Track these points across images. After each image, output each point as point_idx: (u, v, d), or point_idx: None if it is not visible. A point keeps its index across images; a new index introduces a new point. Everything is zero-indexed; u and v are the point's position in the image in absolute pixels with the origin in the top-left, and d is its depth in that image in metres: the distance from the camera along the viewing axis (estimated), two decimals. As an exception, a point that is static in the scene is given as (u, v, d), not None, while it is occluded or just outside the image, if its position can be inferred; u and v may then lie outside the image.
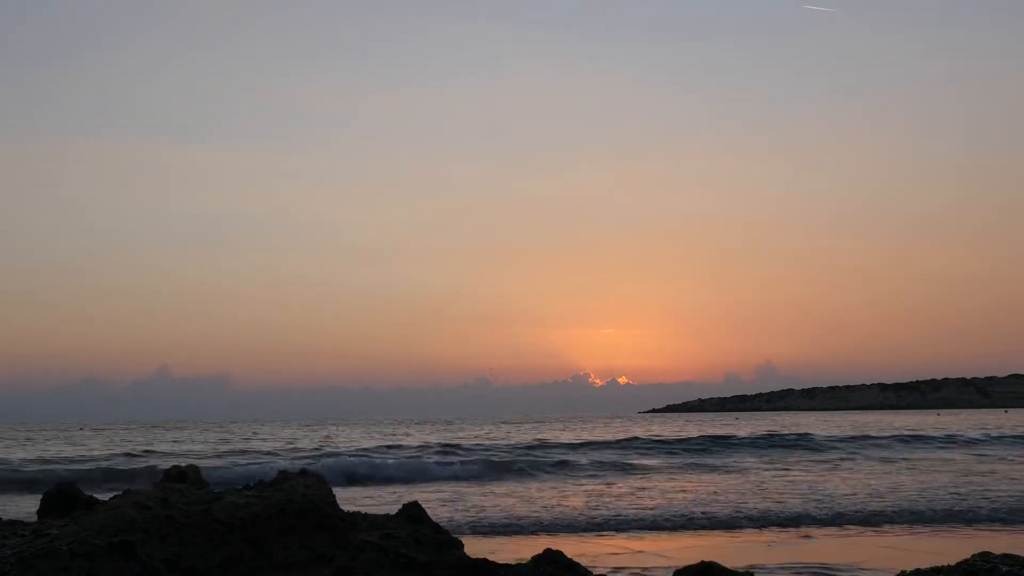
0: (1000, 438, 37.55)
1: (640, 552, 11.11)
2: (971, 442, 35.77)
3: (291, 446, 37.27)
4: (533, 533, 13.09)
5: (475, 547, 8.87)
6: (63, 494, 8.74)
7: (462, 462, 25.78)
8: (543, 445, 34.82)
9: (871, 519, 14.04)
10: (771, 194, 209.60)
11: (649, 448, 33.41)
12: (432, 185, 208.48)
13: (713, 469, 25.21)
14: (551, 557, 7.32)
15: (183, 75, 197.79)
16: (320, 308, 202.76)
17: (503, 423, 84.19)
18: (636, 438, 38.31)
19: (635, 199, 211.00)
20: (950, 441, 36.22)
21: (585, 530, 13.39)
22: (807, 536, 12.51)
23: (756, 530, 13.21)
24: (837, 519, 14.07)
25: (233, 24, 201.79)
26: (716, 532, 13.14)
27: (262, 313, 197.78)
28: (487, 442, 38.11)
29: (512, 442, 37.34)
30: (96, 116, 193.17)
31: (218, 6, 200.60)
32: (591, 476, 23.35)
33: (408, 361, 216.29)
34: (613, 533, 13.05)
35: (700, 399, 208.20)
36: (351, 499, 15.96)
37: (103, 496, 8.14)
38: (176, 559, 6.80)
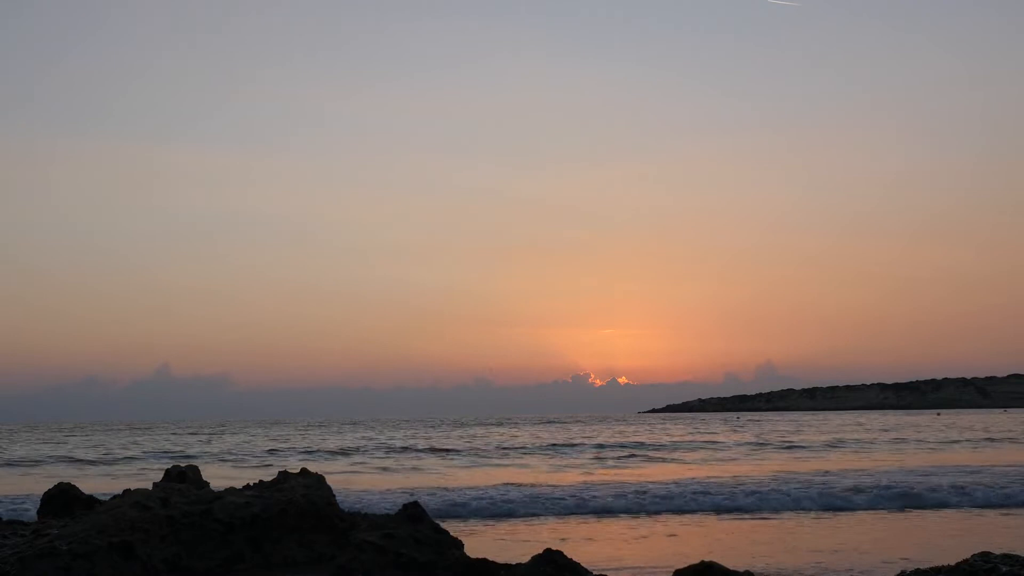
0: None
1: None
2: None
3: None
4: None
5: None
6: (64, 494, 8.72)
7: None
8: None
9: None
10: (771, 195, 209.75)
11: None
12: (432, 186, 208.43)
13: None
14: (551, 557, 7.29)
15: (184, 75, 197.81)
16: (320, 308, 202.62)
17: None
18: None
19: (635, 200, 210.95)
20: None
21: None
22: None
23: None
24: None
25: (233, 22, 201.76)
26: None
27: (262, 313, 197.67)
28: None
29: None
30: (96, 116, 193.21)
31: (214, 3, 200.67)
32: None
33: (408, 361, 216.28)
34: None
35: (700, 399, 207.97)
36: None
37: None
38: (176, 559, 6.80)
